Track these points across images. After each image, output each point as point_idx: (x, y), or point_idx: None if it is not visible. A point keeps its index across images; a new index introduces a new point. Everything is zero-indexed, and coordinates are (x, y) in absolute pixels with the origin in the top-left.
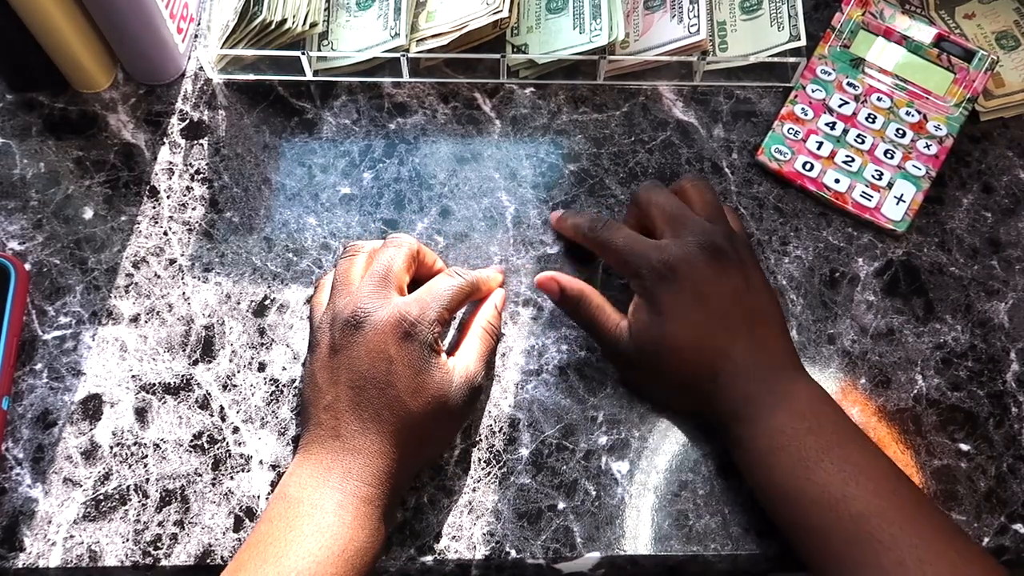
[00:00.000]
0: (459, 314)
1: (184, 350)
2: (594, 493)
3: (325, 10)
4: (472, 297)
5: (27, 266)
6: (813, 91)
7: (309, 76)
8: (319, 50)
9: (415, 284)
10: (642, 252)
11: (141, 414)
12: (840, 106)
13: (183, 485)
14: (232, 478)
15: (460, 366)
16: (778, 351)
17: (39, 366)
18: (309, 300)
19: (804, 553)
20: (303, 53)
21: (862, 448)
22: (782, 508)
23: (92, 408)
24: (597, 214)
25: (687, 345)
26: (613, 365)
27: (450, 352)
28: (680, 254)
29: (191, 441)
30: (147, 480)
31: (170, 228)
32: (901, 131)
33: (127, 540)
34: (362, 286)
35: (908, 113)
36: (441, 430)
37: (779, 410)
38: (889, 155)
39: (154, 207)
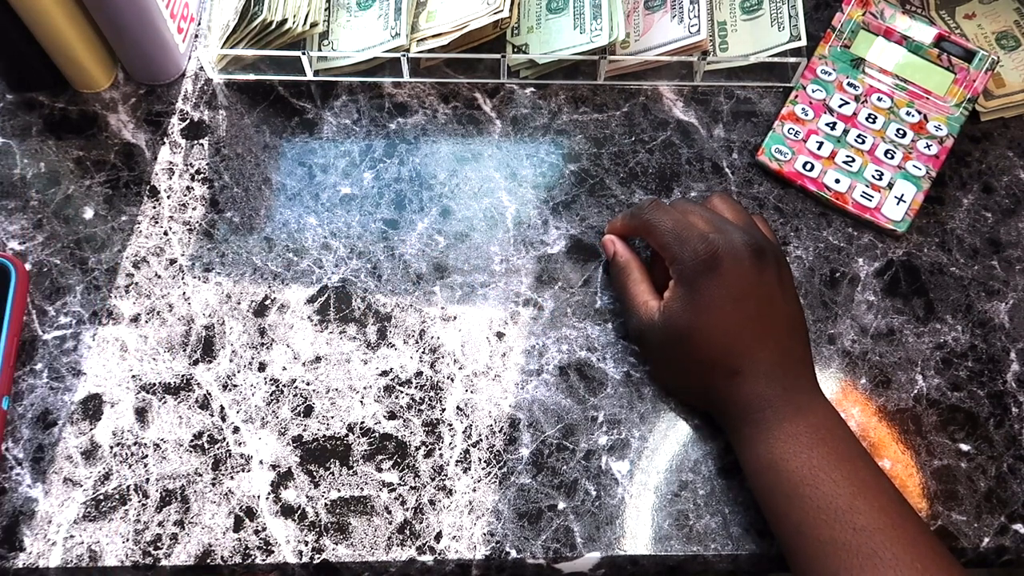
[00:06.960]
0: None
1: (184, 350)
2: (594, 493)
3: (325, 10)
4: None
5: (27, 266)
6: (813, 91)
7: (309, 76)
8: (319, 50)
9: None
10: (688, 239)
11: (141, 414)
12: (840, 106)
13: (183, 485)
14: (232, 478)
15: None
16: (801, 364)
17: (39, 366)
18: (310, 300)
19: (801, 562)
20: (303, 53)
21: (870, 467)
22: (784, 514)
23: (92, 408)
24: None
25: (716, 339)
26: (634, 343)
27: None
28: (727, 248)
29: (191, 441)
30: (147, 480)
31: (170, 228)
32: (901, 131)
33: (127, 540)
34: None
35: (908, 113)
36: None
37: (794, 419)
38: (889, 155)
39: (154, 207)
